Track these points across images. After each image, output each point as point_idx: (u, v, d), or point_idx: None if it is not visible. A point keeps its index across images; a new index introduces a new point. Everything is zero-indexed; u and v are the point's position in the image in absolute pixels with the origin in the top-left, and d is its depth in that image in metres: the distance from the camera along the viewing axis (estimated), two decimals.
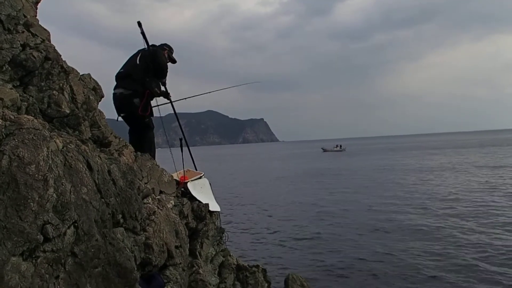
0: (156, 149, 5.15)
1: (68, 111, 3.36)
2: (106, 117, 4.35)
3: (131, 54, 5.01)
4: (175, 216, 4.02)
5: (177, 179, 5.14)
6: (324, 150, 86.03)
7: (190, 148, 5.74)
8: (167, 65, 5.05)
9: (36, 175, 1.99)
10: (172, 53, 5.36)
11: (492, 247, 10.62)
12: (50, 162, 2.13)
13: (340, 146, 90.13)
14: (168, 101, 5.28)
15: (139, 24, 4.73)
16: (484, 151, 56.12)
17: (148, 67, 4.75)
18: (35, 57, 3.24)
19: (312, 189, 26.13)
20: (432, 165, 37.78)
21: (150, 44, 5.04)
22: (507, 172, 27.30)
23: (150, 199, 3.63)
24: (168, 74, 5.13)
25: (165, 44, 5.34)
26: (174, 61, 5.40)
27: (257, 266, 5.91)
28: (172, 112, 5.63)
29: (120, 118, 4.97)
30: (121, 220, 2.80)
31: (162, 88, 5.11)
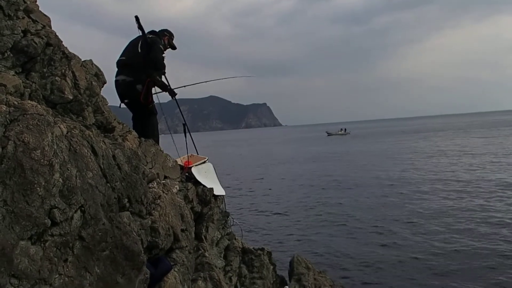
0: (159, 135, 5.15)
1: (71, 97, 3.36)
2: (109, 104, 4.34)
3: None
4: (180, 200, 4.05)
5: (181, 164, 5.16)
6: (329, 134, 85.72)
7: (191, 134, 5.72)
8: (162, 61, 4.80)
9: (42, 160, 2.01)
10: (172, 39, 5.29)
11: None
12: (55, 147, 2.14)
13: (345, 129, 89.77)
14: (168, 93, 5.12)
15: (137, 18, 4.57)
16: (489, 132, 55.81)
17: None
18: (36, 43, 3.22)
19: (319, 173, 26.18)
20: (439, 148, 37.67)
21: (150, 30, 4.98)
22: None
23: (155, 183, 3.66)
24: (167, 61, 5.03)
25: (166, 30, 5.27)
26: (174, 47, 5.31)
27: (263, 249, 5.97)
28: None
29: (123, 105, 4.95)
30: (127, 204, 2.82)
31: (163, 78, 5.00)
